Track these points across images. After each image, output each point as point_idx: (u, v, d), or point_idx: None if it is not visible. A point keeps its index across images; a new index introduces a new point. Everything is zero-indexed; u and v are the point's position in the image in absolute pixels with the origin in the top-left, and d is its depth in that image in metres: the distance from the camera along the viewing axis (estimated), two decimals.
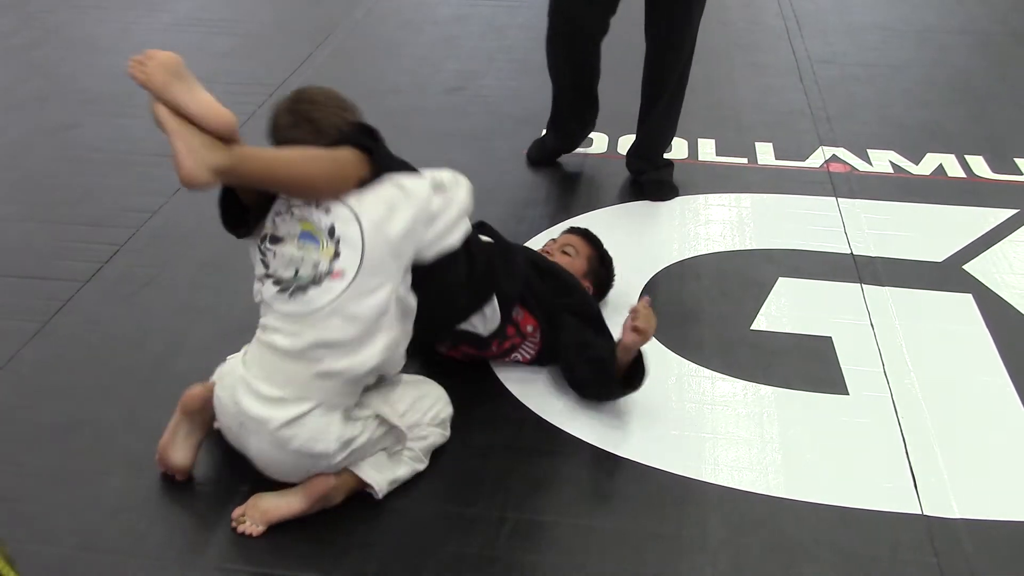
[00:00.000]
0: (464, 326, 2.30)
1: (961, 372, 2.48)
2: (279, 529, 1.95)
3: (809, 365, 2.49)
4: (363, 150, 1.99)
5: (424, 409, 2.10)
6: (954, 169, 3.52)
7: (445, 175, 2.13)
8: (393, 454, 2.05)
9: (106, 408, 2.30)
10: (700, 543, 1.98)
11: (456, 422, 2.20)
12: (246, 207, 2.01)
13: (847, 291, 2.79)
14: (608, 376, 2.26)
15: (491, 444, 2.22)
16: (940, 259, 2.96)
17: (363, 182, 1.98)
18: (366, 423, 1.99)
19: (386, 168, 2.02)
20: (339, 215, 1.94)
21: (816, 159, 3.57)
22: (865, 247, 3.00)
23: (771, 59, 4.52)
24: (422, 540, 1.97)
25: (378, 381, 2.07)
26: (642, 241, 3.05)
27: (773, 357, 2.52)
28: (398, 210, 1.97)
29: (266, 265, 1.98)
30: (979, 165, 3.54)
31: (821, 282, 2.84)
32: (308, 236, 1.94)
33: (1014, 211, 3.23)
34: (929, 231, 3.11)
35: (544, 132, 3.53)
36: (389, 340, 1.97)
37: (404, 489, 2.06)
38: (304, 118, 2.02)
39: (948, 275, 2.88)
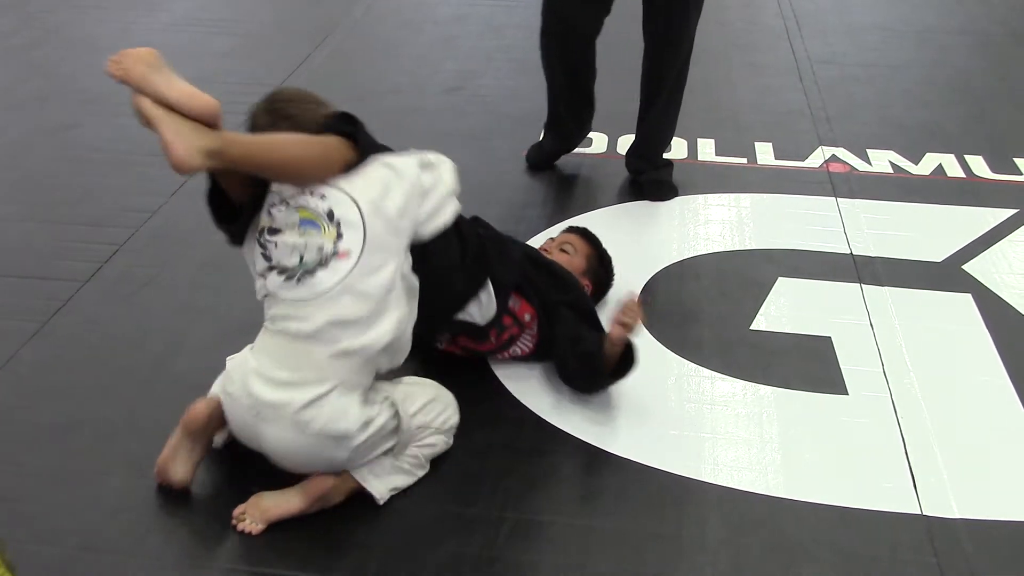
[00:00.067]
0: (462, 316, 2.30)
1: (960, 372, 2.49)
2: (279, 529, 1.95)
3: (808, 365, 2.49)
4: (346, 136, 2.02)
5: (435, 412, 2.11)
6: (954, 169, 3.52)
7: (429, 155, 2.17)
8: (396, 460, 2.04)
9: (106, 408, 2.30)
10: (700, 543, 1.98)
11: None
12: (235, 205, 2.02)
13: (847, 291, 2.80)
14: (596, 370, 2.28)
15: (490, 444, 2.22)
16: (940, 259, 2.96)
17: (349, 166, 2.02)
18: (382, 406, 1.98)
19: (371, 150, 2.05)
20: (335, 199, 1.97)
21: (816, 159, 3.57)
22: (865, 247, 3.00)
23: (770, 59, 4.52)
24: (422, 540, 1.97)
25: (392, 377, 2.07)
26: (641, 241, 3.05)
27: (772, 357, 2.52)
28: (392, 188, 2.02)
29: (268, 257, 1.98)
30: (979, 165, 3.54)
31: (821, 282, 2.84)
32: (308, 223, 1.96)
33: (1014, 211, 3.23)
34: (929, 231, 3.11)
35: (542, 136, 3.52)
36: (399, 317, 1.99)
37: (403, 489, 2.06)
38: (282, 116, 2.04)
39: (948, 275, 2.88)
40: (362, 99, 3.93)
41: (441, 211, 2.13)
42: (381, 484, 2.02)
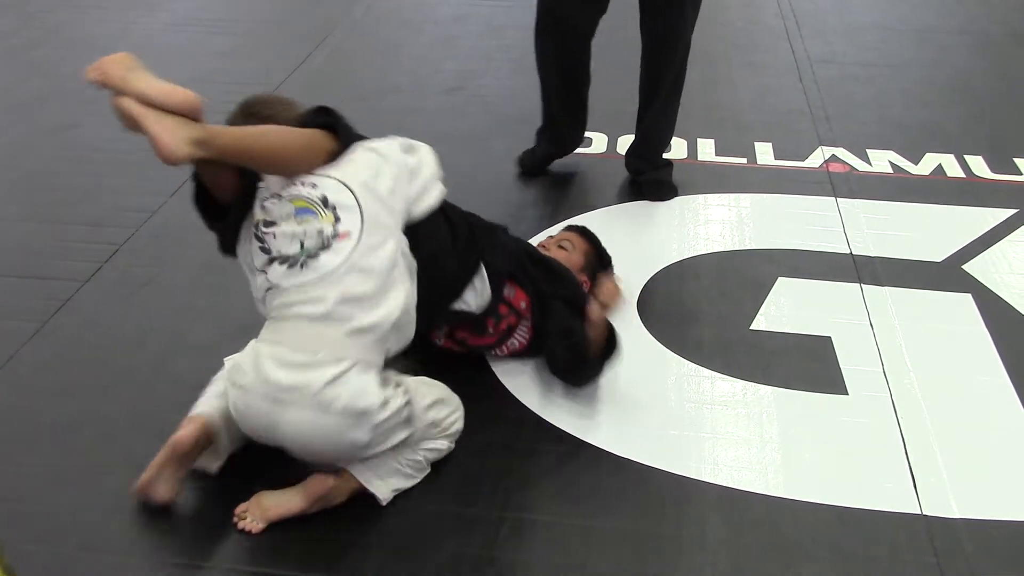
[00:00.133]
0: (458, 305, 2.29)
1: (960, 372, 2.49)
2: (279, 529, 1.95)
3: (808, 365, 2.49)
4: (325, 128, 2.07)
5: (445, 413, 2.11)
6: (953, 169, 3.52)
7: (409, 140, 2.22)
8: (398, 462, 2.04)
9: (106, 408, 2.30)
10: (700, 543, 1.98)
11: None
12: (222, 205, 2.05)
13: (846, 291, 2.80)
14: (583, 360, 2.30)
15: (490, 443, 2.22)
16: (939, 259, 2.96)
17: (333, 156, 2.06)
18: (396, 391, 1.98)
19: (352, 139, 2.10)
20: (326, 186, 2.01)
21: (815, 159, 3.57)
22: (864, 247, 3.00)
23: (770, 59, 4.52)
24: (422, 540, 1.97)
25: (403, 372, 2.08)
26: (641, 241, 3.05)
27: (772, 357, 2.53)
28: (380, 170, 2.07)
29: (267, 250, 1.98)
30: (978, 165, 3.54)
31: (820, 282, 2.84)
32: (304, 211, 1.98)
33: (1013, 211, 3.23)
34: (928, 231, 3.11)
35: (536, 142, 3.47)
36: (404, 293, 2.01)
37: (404, 490, 2.06)
38: (259, 118, 2.07)
39: (947, 275, 2.88)
40: (362, 99, 3.94)
41: (429, 191, 2.18)
42: (384, 485, 2.02)
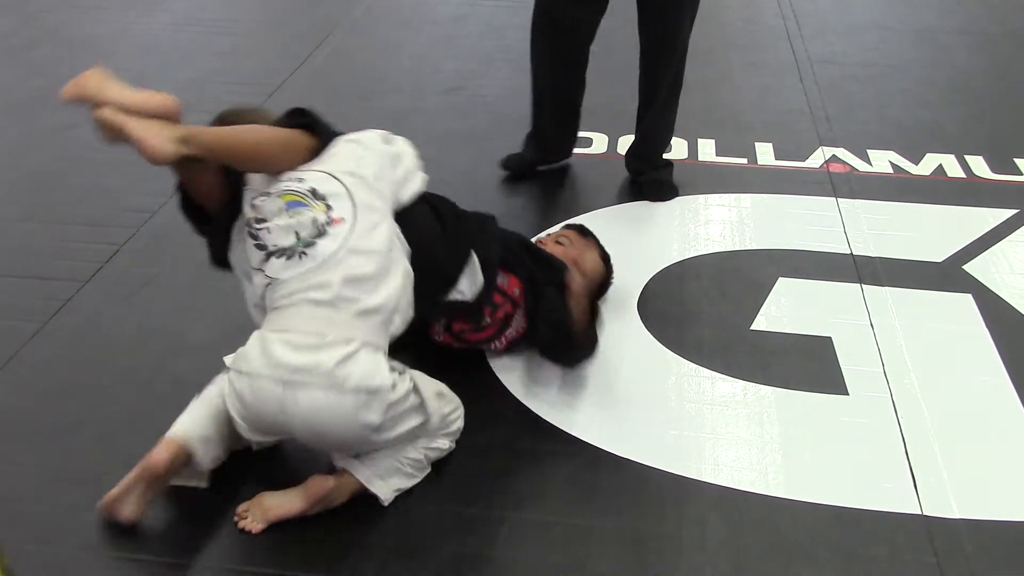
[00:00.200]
0: (453, 295, 2.28)
1: (961, 372, 2.49)
2: (279, 529, 1.96)
3: (809, 365, 2.49)
4: (303, 128, 2.10)
5: (450, 408, 2.12)
6: (954, 169, 3.52)
7: (385, 132, 2.26)
8: (399, 462, 2.04)
9: (106, 408, 2.30)
10: (700, 543, 1.98)
11: None
12: (208, 213, 2.10)
13: (847, 291, 2.80)
14: (568, 336, 2.33)
15: (490, 443, 2.22)
16: (940, 259, 2.96)
17: (313, 152, 2.10)
18: (403, 376, 1.97)
19: (330, 135, 2.14)
20: (313, 179, 2.04)
21: (816, 159, 3.57)
22: (865, 247, 3.00)
23: (770, 59, 4.52)
24: (422, 540, 1.97)
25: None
26: (641, 241, 3.05)
27: (773, 357, 2.52)
28: (363, 158, 2.11)
29: (263, 246, 1.99)
30: (979, 165, 3.54)
31: (821, 282, 2.84)
32: (294, 204, 2.00)
33: (1014, 211, 3.23)
34: (929, 231, 3.11)
35: (523, 145, 3.44)
36: (403, 272, 2.04)
37: (405, 490, 2.06)
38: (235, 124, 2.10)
39: (948, 275, 2.88)
40: (362, 99, 3.95)
41: (412, 178, 2.21)
42: (385, 485, 2.02)
